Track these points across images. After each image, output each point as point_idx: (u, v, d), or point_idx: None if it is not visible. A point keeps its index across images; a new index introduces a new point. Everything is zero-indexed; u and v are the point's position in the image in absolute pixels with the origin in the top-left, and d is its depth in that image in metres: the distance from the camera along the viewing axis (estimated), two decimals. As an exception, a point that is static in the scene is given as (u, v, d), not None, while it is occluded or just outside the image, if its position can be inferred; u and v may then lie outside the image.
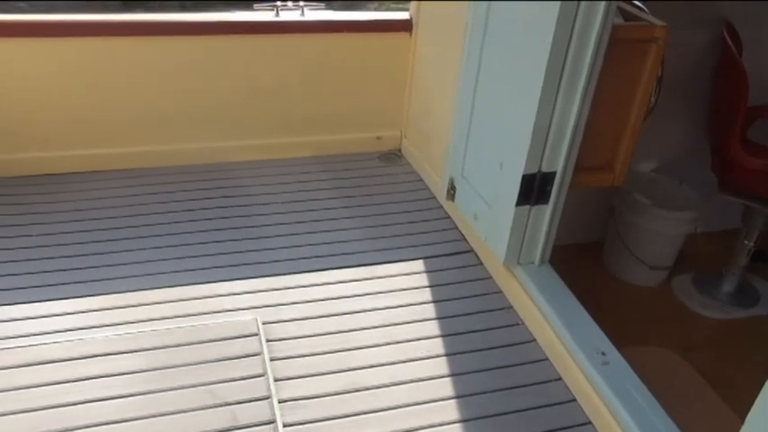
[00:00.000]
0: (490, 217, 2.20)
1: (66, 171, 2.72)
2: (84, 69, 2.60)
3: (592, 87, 1.88)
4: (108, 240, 2.36)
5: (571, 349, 1.89)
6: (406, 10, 2.94)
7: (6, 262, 2.21)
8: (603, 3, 1.75)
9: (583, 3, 1.75)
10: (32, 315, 2.00)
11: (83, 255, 2.28)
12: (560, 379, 1.94)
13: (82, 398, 1.73)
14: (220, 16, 2.70)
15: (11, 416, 1.66)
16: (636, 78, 2.01)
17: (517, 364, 1.98)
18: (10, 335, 1.91)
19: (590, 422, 1.80)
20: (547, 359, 2.00)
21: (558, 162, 1.98)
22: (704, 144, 2.77)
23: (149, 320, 2.01)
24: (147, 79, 2.69)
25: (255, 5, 2.75)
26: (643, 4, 2.25)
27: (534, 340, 2.07)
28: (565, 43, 1.79)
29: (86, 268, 2.22)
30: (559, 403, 1.86)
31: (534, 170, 1.99)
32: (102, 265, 2.23)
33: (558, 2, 1.73)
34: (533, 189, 2.02)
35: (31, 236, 2.35)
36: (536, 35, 1.84)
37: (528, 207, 2.06)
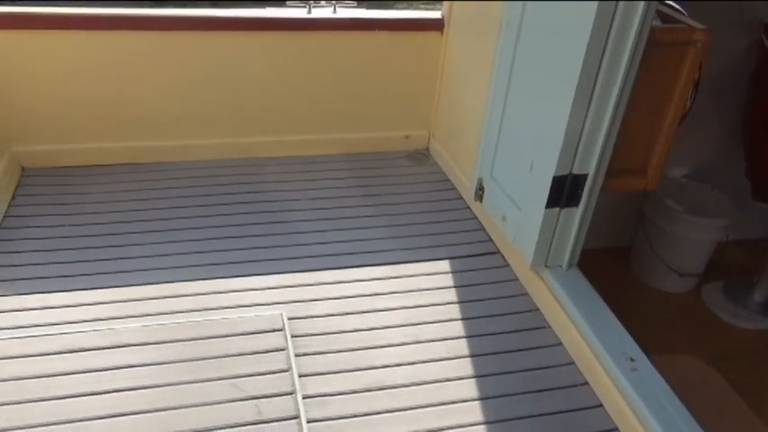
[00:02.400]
0: (519, 219, 2.18)
1: (98, 163, 2.76)
2: (115, 63, 2.63)
3: (627, 90, 1.85)
4: (139, 232, 2.39)
5: (598, 354, 1.87)
6: (435, 10, 2.93)
7: (40, 251, 2.25)
8: (642, 4, 1.72)
9: (620, 5, 1.73)
10: (64, 304, 2.03)
11: (114, 246, 2.30)
12: (586, 384, 1.91)
13: (110, 387, 1.75)
14: (253, 12, 2.71)
15: (41, 402, 1.69)
16: (673, 82, 1.97)
17: (543, 368, 1.96)
18: (42, 322, 1.95)
19: (616, 428, 1.78)
20: (573, 363, 1.98)
21: (591, 164, 1.95)
22: (737, 150, 2.72)
23: (177, 312, 2.03)
24: (178, 74, 2.71)
25: (288, 2, 2.76)
26: (681, 6, 2.22)
27: (560, 344, 2.04)
28: (601, 44, 1.77)
29: (117, 259, 2.24)
30: (585, 408, 1.84)
31: (565, 172, 1.96)
32: (133, 257, 2.26)
33: (596, 2, 1.71)
34: (564, 191, 1.99)
35: (64, 226, 2.38)
36: (572, 36, 1.81)
37: (558, 209, 2.04)
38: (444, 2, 2.84)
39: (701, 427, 1.65)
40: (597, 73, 1.81)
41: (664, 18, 2.04)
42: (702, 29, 1.94)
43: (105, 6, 2.65)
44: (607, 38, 1.77)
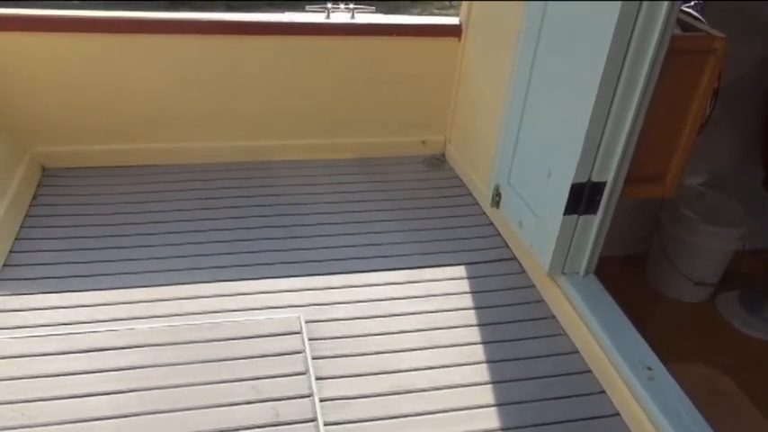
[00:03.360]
0: (536, 225, 2.18)
1: (117, 164, 2.79)
2: (136, 66, 2.66)
3: (647, 98, 1.85)
4: (158, 233, 2.41)
5: (615, 362, 1.87)
6: (449, 15, 2.94)
7: (61, 251, 2.27)
8: (663, 12, 1.72)
9: (642, 12, 1.73)
10: (85, 303, 2.05)
11: (133, 246, 2.33)
12: (603, 392, 1.91)
13: (128, 387, 1.76)
14: (273, 17, 2.74)
15: (60, 401, 1.70)
16: (692, 90, 1.97)
17: (559, 375, 1.96)
18: (63, 321, 1.97)
19: (633, 437, 1.78)
20: (590, 371, 1.98)
21: (610, 172, 1.95)
22: (755, 159, 2.71)
23: (194, 314, 2.05)
24: (195, 77, 2.74)
25: (307, 7, 2.78)
26: (700, 14, 2.22)
27: (577, 351, 2.04)
28: (622, 51, 1.77)
29: (136, 260, 2.27)
30: (602, 417, 1.84)
31: (584, 179, 1.97)
32: (152, 258, 2.28)
33: (617, 10, 1.71)
34: (582, 198, 2.00)
35: (84, 226, 2.41)
36: (593, 42, 1.82)
37: (575, 216, 2.04)
38: (462, 8, 2.85)
39: (719, 436, 1.65)
40: (618, 80, 1.82)
41: (684, 26, 2.04)
42: (722, 37, 1.94)
43: (124, 10, 2.68)
44: (628, 45, 1.77)
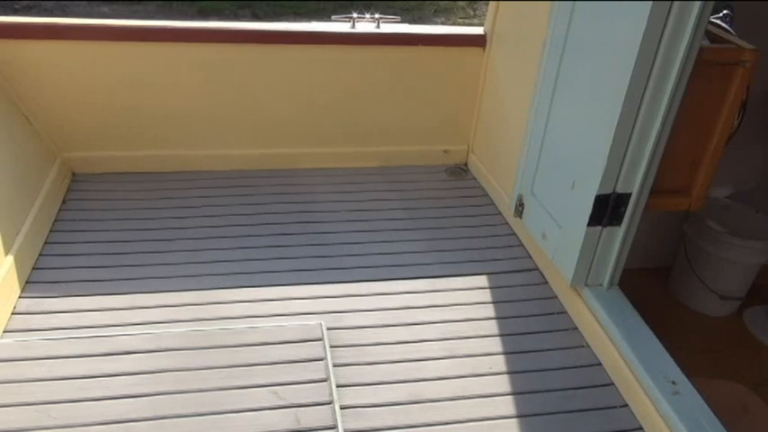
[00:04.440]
0: (559, 236, 2.17)
1: (145, 171, 2.84)
2: (164, 73, 2.70)
3: (674, 109, 1.84)
4: (183, 239, 2.44)
5: (639, 376, 1.85)
6: (473, 25, 2.94)
7: (89, 254, 2.31)
8: (692, 23, 1.71)
9: (670, 21, 1.72)
10: (112, 307, 2.08)
11: (161, 252, 2.36)
12: (626, 405, 1.89)
13: (152, 390, 1.78)
14: (300, 27, 2.77)
15: (87, 402, 1.73)
16: (720, 102, 1.96)
17: (581, 387, 1.95)
18: (92, 324, 2.00)
19: (656, 452, 1.76)
20: (612, 384, 1.96)
21: (635, 183, 1.94)
22: (784, 172, 2.67)
23: (218, 319, 2.07)
24: (221, 85, 2.78)
25: (333, 17, 2.81)
26: (731, 27, 2.20)
27: (600, 364, 2.02)
28: (649, 63, 1.76)
29: (161, 265, 2.30)
30: (625, 430, 1.82)
31: (609, 191, 1.96)
32: (177, 263, 2.31)
33: (645, 21, 1.70)
34: (606, 210, 1.98)
35: (112, 230, 2.45)
36: (619, 53, 1.81)
37: (599, 228, 2.02)
38: (487, 18, 2.86)
39: (745, 454, 1.62)
40: (644, 91, 1.81)
41: (712, 38, 2.02)
42: (752, 49, 1.92)
43: (152, 20, 2.73)
44: (655, 56, 1.76)
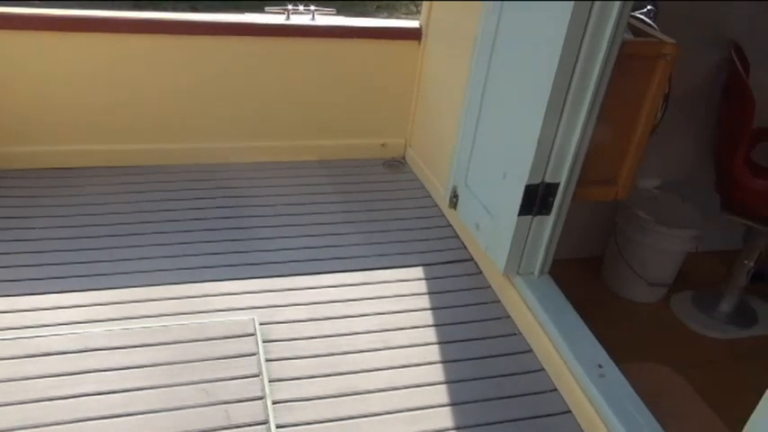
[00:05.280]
0: (492, 226, 2.20)
1: (70, 166, 2.73)
2: (90, 66, 2.61)
3: (599, 101, 1.89)
4: (110, 236, 2.36)
5: (568, 361, 1.89)
6: (414, 19, 2.96)
7: (6, 254, 2.21)
8: (614, 18, 1.76)
9: (592, 17, 1.76)
10: (36, 307, 2.00)
11: (84, 249, 2.28)
12: (556, 390, 1.93)
13: (78, 391, 1.72)
14: (231, 17, 2.71)
15: (14, 406, 1.66)
16: (643, 94, 2.02)
17: (513, 374, 1.98)
18: (13, 326, 1.92)
19: (585, 434, 1.80)
20: (543, 369, 2.00)
21: (562, 173, 1.98)
22: (708, 163, 2.78)
23: (148, 317, 2.01)
24: (154, 78, 2.70)
25: (267, 8, 2.76)
26: (654, 22, 2.27)
27: (531, 350, 2.06)
28: (574, 56, 1.80)
29: (88, 263, 2.22)
30: (554, 414, 1.86)
31: (538, 181, 1.99)
32: (104, 261, 2.23)
33: (568, 16, 1.74)
34: (536, 199, 2.02)
35: (34, 228, 2.35)
36: (545, 48, 1.84)
37: (530, 217, 2.06)
38: (423, 11, 2.87)
39: (667, 433, 1.68)
40: (569, 84, 1.85)
41: (635, 32, 2.08)
42: (672, 43, 1.98)
43: (85, 9, 2.63)
44: (579, 49, 1.80)
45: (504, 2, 2.07)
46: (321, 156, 3.03)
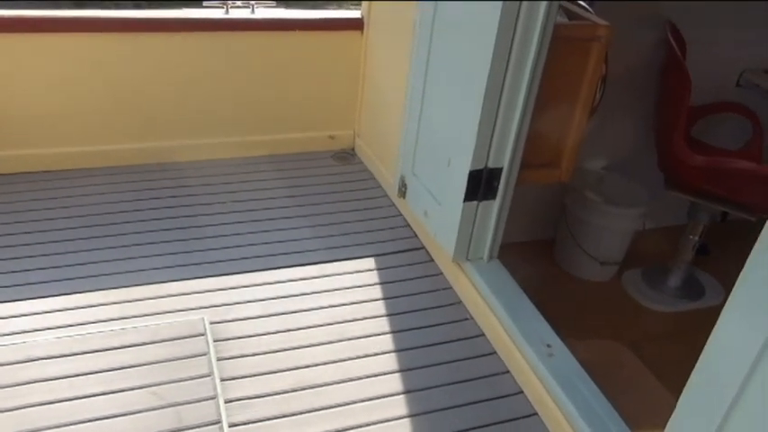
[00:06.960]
0: (439, 213, 2.22)
1: (16, 171, 2.65)
2: (21, 67, 2.53)
3: (535, 85, 1.91)
4: (55, 241, 2.31)
5: (518, 342, 1.92)
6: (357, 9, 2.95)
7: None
8: (545, 3, 1.78)
9: (524, 2, 1.78)
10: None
11: (29, 256, 2.22)
12: (507, 372, 1.96)
13: (24, 402, 1.68)
14: (168, 13, 2.66)
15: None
16: (579, 77, 2.05)
17: (466, 359, 2.00)
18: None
19: (536, 413, 1.83)
20: (495, 353, 2.02)
21: (504, 158, 2.01)
22: (652, 142, 2.83)
23: (98, 322, 1.98)
24: (94, 76, 2.63)
25: (205, 3, 2.72)
26: (589, 4, 2.30)
27: (483, 334, 2.09)
28: (508, 42, 1.82)
29: (29, 270, 2.16)
30: (507, 396, 1.89)
31: (481, 166, 2.01)
32: (50, 267, 2.18)
33: (500, 2, 1.75)
34: (480, 185, 2.04)
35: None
36: (479, 35, 1.86)
37: (476, 203, 2.08)
38: (363, 2, 2.86)
39: (615, 407, 1.72)
40: (506, 69, 1.87)
41: (570, 15, 2.11)
42: (605, 25, 2.02)
43: (16, 8, 2.55)
44: (513, 36, 1.82)
45: None
46: (271, 150, 3.01)
